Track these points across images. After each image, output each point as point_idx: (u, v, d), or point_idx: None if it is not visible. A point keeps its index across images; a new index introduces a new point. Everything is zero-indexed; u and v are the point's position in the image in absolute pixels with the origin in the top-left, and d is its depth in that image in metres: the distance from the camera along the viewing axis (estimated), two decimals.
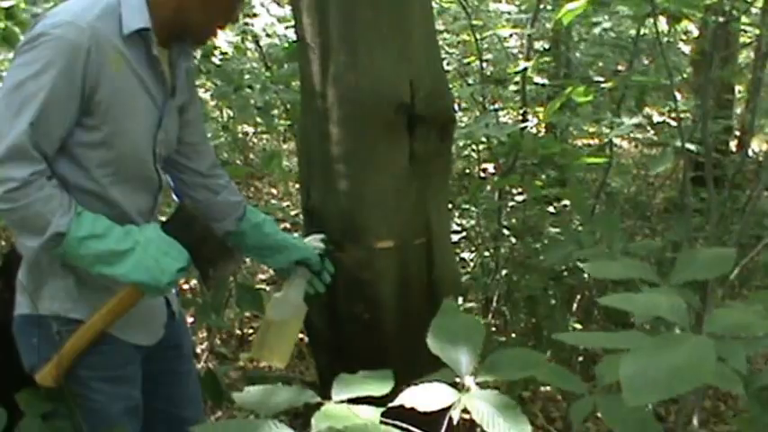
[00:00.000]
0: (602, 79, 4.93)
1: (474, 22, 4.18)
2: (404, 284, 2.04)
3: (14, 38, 3.25)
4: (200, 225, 1.59)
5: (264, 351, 1.90)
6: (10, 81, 1.44)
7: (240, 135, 6.24)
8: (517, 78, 3.94)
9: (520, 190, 4.16)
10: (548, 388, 3.21)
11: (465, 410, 1.06)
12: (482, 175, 4.28)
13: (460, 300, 3.31)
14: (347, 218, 2.01)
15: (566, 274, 3.43)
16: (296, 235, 2.15)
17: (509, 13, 5.84)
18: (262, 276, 4.28)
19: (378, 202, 2.00)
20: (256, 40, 4.49)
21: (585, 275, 3.33)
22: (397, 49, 1.94)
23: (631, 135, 5.52)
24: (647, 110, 3.93)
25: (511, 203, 3.86)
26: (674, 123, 3.18)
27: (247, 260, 3.52)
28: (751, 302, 1.18)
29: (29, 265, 1.58)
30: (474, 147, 4.08)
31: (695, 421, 1.79)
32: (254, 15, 4.38)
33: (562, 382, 1.15)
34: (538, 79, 4.76)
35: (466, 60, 5.09)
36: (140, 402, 1.70)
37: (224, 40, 4.13)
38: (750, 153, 6.24)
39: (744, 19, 3.92)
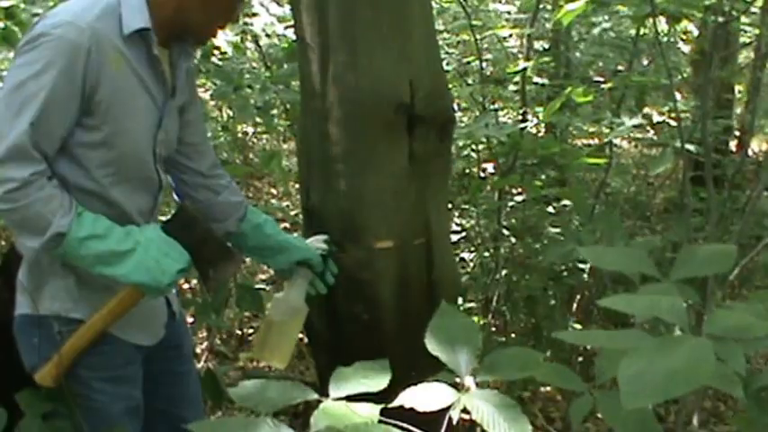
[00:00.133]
0: (601, 79, 4.94)
1: (474, 22, 4.17)
2: (403, 284, 2.04)
3: (14, 37, 3.24)
4: (200, 226, 1.60)
5: (265, 351, 1.90)
6: (10, 81, 1.44)
7: (240, 135, 6.24)
8: (517, 78, 3.94)
9: (519, 190, 4.16)
10: (547, 388, 3.21)
11: (464, 410, 1.07)
12: (482, 175, 4.27)
13: (460, 300, 3.31)
14: (347, 218, 2.01)
15: (565, 274, 3.43)
16: (296, 235, 2.14)
17: (509, 12, 5.84)
18: (262, 276, 4.28)
19: (377, 203, 2.00)
20: (256, 40, 4.49)
21: (585, 276, 3.33)
22: (396, 48, 1.94)
23: (631, 135, 5.52)
24: (646, 110, 3.92)
25: (510, 203, 3.86)
26: (673, 123, 3.19)
27: (247, 260, 3.52)
28: (751, 302, 1.18)
29: (29, 264, 1.58)
30: (474, 147, 4.08)
31: (695, 421, 1.79)
32: (254, 15, 4.38)
33: (561, 381, 1.15)
34: (537, 79, 4.76)
35: (465, 60, 5.09)
36: (141, 402, 1.70)
37: (223, 39, 4.12)
38: (750, 153, 6.25)
39: (743, 19, 3.92)
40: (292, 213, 4.91)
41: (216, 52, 4.08)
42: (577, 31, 6.03)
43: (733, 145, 6.27)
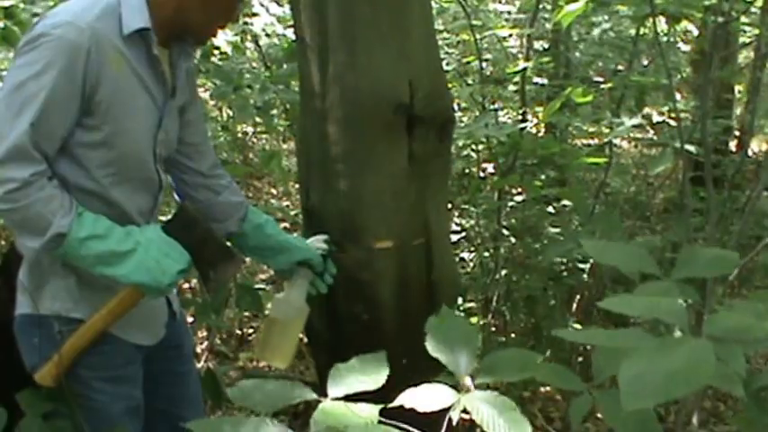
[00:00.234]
0: (601, 79, 4.94)
1: (473, 22, 4.17)
2: (403, 285, 2.04)
3: (14, 37, 3.24)
4: (201, 227, 1.60)
5: (266, 352, 1.90)
6: (10, 82, 1.44)
7: (239, 135, 6.24)
8: (517, 78, 3.94)
9: (519, 190, 4.16)
10: (547, 388, 3.21)
11: (464, 410, 1.07)
12: (481, 174, 4.28)
13: (460, 300, 3.31)
14: (346, 218, 2.01)
15: (565, 274, 3.43)
16: (296, 235, 2.14)
17: (509, 13, 5.84)
18: (262, 276, 4.28)
19: (377, 203, 2.00)
20: (256, 40, 4.49)
21: (585, 276, 3.34)
22: (395, 47, 1.94)
23: (631, 135, 5.53)
24: (646, 110, 3.93)
25: (510, 203, 3.86)
26: (673, 123, 3.19)
27: (247, 260, 3.52)
28: (751, 302, 1.18)
29: (30, 264, 1.58)
30: (473, 147, 4.08)
31: (695, 421, 1.79)
32: (254, 15, 4.38)
33: (560, 382, 1.15)
34: (537, 79, 4.76)
35: (465, 60, 5.09)
36: (141, 402, 1.70)
37: (223, 39, 4.12)
38: (750, 153, 6.25)
39: (743, 19, 3.92)
40: (292, 213, 4.91)
41: (216, 52, 4.08)
42: (577, 31, 6.04)
43: (733, 145, 6.28)
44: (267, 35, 4.65)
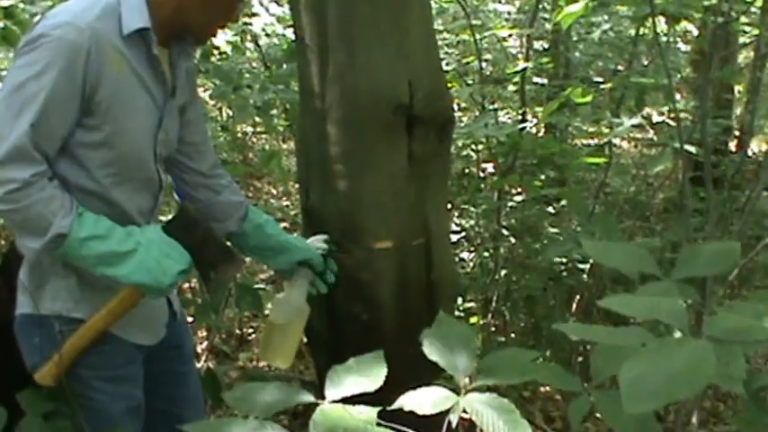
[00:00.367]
0: (601, 79, 4.94)
1: (473, 22, 4.18)
2: (403, 285, 2.04)
3: (14, 37, 3.24)
4: (201, 227, 1.60)
5: (268, 352, 1.90)
6: (10, 82, 1.44)
7: (239, 135, 6.24)
8: (516, 78, 3.94)
9: (519, 190, 4.16)
10: (547, 387, 3.22)
11: (464, 411, 1.07)
12: (481, 175, 4.28)
13: (459, 300, 3.31)
14: (346, 218, 2.01)
15: (565, 274, 3.43)
16: (296, 235, 2.15)
17: (508, 13, 5.84)
18: (262, 276, 4.28)
19: (376, 203, 2.00)
20: (255, 40, 4.49)
21: (585, 276, 3.34)
22: (395, 47, 1.94)
23: (631, 135, 5.53)
24: (646, 110, 3.93)
25: (510, 203, 3.86)
26: (673, 124, 3.19)
27: (247, 260, 3.52)
28: (751, 302, 1.18)
29: (30, 264, 1.58)
30: (473, 147, 4.08)
31: (695, 421, 1.79)
32: (254, 15, 4.38)
33: (559, 383, 1.15)
34: (537, 79, 4.76)
35: (465, 60, 5.09)
36: (142, 402, 1.70)
37: (223, 39, 4.13)
38: (749, 153, 6.25)
39: (743, 19, 3.92)
40: (292, 213, 4.91)
41: (215, 52, 4.09)
42: (577, 31, 6.04)
43: (733, 145, 6.28)
44: (267, 35, 4.65)
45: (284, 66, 3.68)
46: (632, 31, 4.79)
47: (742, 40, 5.61)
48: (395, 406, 1.08)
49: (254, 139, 6.82)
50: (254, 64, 5.06)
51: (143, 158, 1.61)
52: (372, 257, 2.00)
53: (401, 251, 2.02)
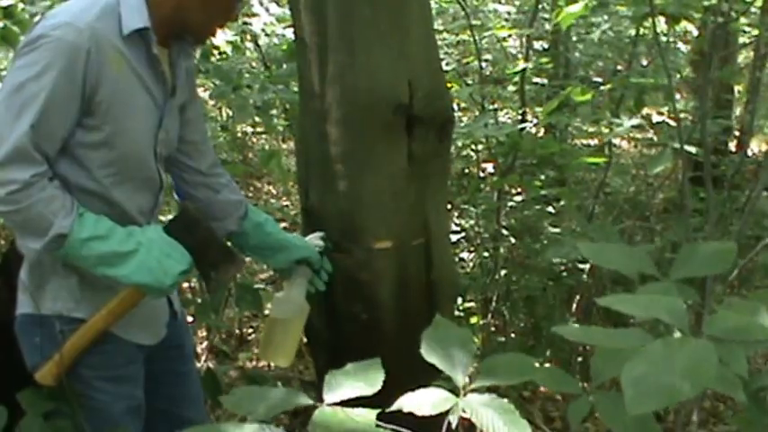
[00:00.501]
0: (600, 80, 4.94)
1: (473, 22, 4.17)
2: (402, 285, 2.04)
3: (13, 37, 3.24)
4: (202, 227, 1.60)
5: (269, 351, 1.91)
6: (10, 83, 1.44)
7: (239, 135, 6.24)
8: (516, 78, 3.94)
9: (519, 190, 4.16)
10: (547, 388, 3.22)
11: (463, 411, 1.07)
12: (481, 175, 4.28)
13: (459, 300, 3.31)
14: (346, 218, 2.01)
15: (565, 274, 3.43)
16: (296, 234, 2.15)
17: (508, 13, 5.84)
18: (262, 276, 4.28)
19: (376, 203, 2.00)
20: (255, 40, 4.48)
21: (585, 276, 3.33)
22: (394, 46, 1.94)
23: (631, 135, 5.53)
24: (646, 110, 3.93)
25: (510, 203, 3.86)
26: (673, 124, 3.19)
27: (247, 260, 3.52)
28: (751, 302, 1.18)
29: (31, 264, 1.58)
30: (473, 147, 4.08)
31: (695, 420, 1.79)
32: (254, 15, 4.38)
33: (558, 385, 1.15)
34: (537, 79, 4.76)
35: (465, 60, 5.09)
36: (143, 402, 1.70)
37: (223, 39, 4.12)
38: (749, 153, 6.25)
39: (743, 19, 3.92)
40: (292, 213, 4.91)
41: (215, 52, 4.08)
42: (576, 31, 6.04)
43: (732, 145, 6.28)
44: (267, 35, 4.64)
45: (284, 66, 3.67)
46: (632, 32, 4.79)
47: (742, 40, 5.62)
48: (394, 407, 1.08)
49: (254, 139, 6.82)
50: (254, 64, 5.06)
51: (143, 158, 1.61)
52: (372, 257, 2.00)
53: (401, 251, 2.02)
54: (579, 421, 1.07)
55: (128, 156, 1.56)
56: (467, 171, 4.59)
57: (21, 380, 1.58)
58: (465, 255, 4.08)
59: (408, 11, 1.97)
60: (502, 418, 1.02)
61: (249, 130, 6.54)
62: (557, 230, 3.74)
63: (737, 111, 6.75)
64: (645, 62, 5.03)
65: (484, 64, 4.52)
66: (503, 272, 3.52)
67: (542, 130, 4.85)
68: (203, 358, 3.29)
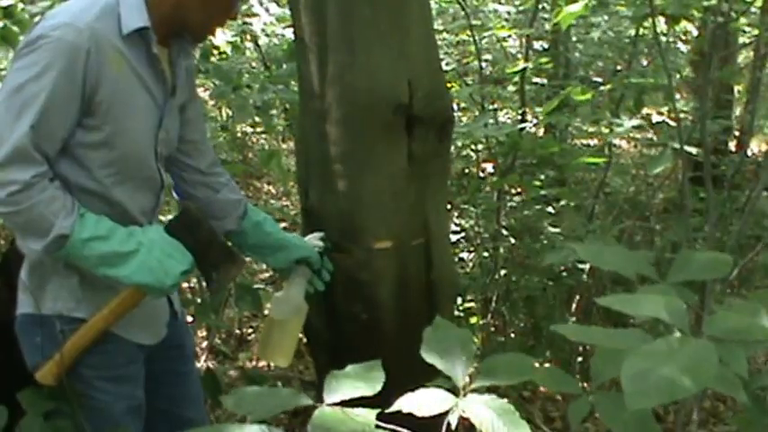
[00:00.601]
0: (600, 80, 4.94)
1: (473, 22, 4.17)
2: (402, 285, 2.05)
3: (13, 37, 3.24)
4: (203, 227, 1.60)
5: (267, 351, 1.91)
6: (10, 84, 1.44)
7: (239, 135, 6.24)
8: (516, 78, 3.94)
9: (519, 190, 4.16)
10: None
11: (463, 411, 1.07)
12: (481, 174, 4.28)
13: (459, 300, 3.31)
14: (346, 218, 2.01)
15: (565, 274, 3.43)
16: (295, 234, 2.15)
17: (508, 13, 5.84)
18: (262, 276, 4.28)
19: (376, 203, 2.00)
20: (255, 40, 4.48)
21: (584, 276, 3.33)
22: (394, 46, 1.94)
23: (631, 135, 5.52)
24: (646, 110, 3.93)
25: (510, 203, 3.86)
26: (673, 124, 3.19)
27: (247, 260, 3.52)
28: (751, 302, 1.18)
29: (31, 264, 1.58)
30: (473, 147, 4.08)
31: (695, 419, 1.79)
32: (253, 15, 4.38)
33: (558, 385, 1.15)
34: (537, 79, 4.76)
35: (465, 60, 5.09)
36: (143, 402, 1.70)
37: (222, 39, 4.12)
38: (749, 153, 6.25)
39: (743, 19, 3.92)
40: (292, 213, 4.91)
41: (215, 52, 4.08)
42: (576, 31, 6.04)
43: (732, 145, 6.28)
44: (267, 35, 4.64)
45: (284, 66, 3.67)
46: (632, 32, 4.79)
47: (742, 40, 5.62)
48: (394, 408, 1.08)
49: (254, 139, 6.82)
50: (254, 64, 5.06)
51: (144, 158, 1.61)
52: (372, 257, 2.00)
53: (401, 251, 2.02)
54: (579, 421, 1.07)
55: (128, 155, 1.56)
56: (467, 171, 4.59)
57: (21, 380, 1.58)
58: (465, 255, 4.08)
59: (408, 11, 1.97)
60: (502, 418, 1.02)
61: (249, 130, 6.53)
62: (557, 230, 3.74)
63: (737, 111, 6.75)
64: (645, 62, 5.03)
65: (484, 64, 4.52)
66: (503, 272, 3.52)
67: (542, 130, 4.85)
68: (203, 358, 3.30)
